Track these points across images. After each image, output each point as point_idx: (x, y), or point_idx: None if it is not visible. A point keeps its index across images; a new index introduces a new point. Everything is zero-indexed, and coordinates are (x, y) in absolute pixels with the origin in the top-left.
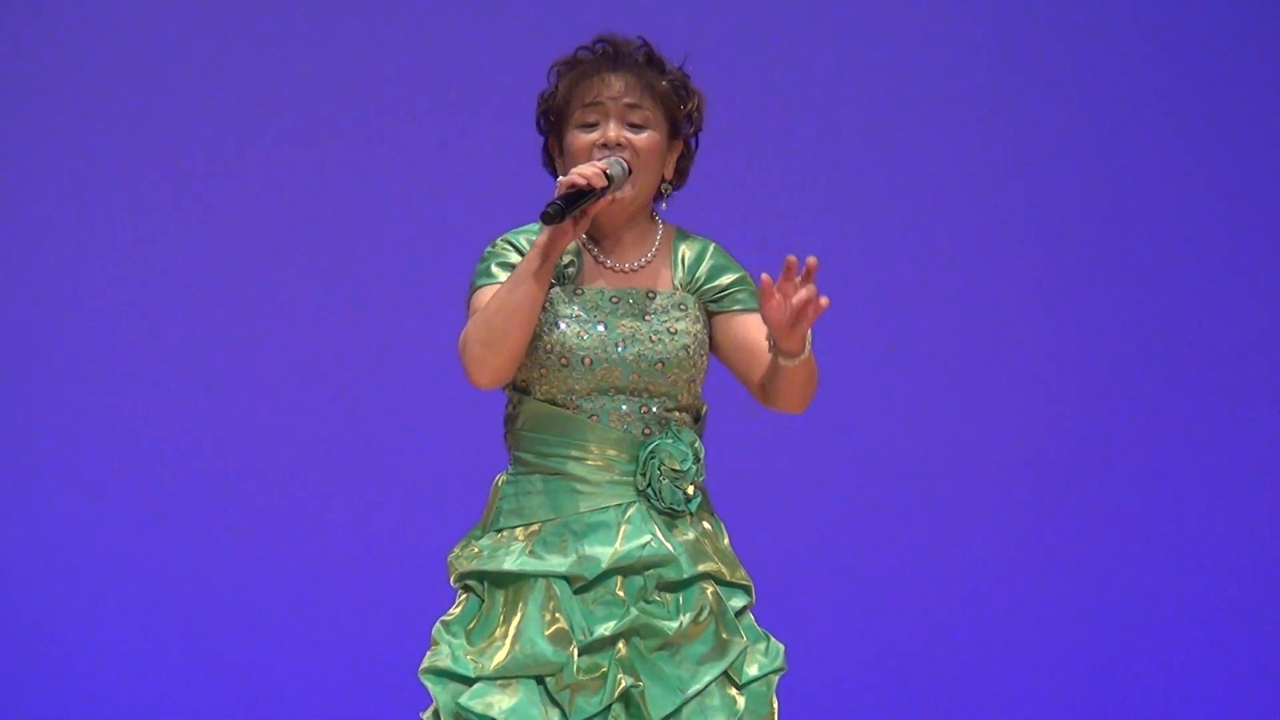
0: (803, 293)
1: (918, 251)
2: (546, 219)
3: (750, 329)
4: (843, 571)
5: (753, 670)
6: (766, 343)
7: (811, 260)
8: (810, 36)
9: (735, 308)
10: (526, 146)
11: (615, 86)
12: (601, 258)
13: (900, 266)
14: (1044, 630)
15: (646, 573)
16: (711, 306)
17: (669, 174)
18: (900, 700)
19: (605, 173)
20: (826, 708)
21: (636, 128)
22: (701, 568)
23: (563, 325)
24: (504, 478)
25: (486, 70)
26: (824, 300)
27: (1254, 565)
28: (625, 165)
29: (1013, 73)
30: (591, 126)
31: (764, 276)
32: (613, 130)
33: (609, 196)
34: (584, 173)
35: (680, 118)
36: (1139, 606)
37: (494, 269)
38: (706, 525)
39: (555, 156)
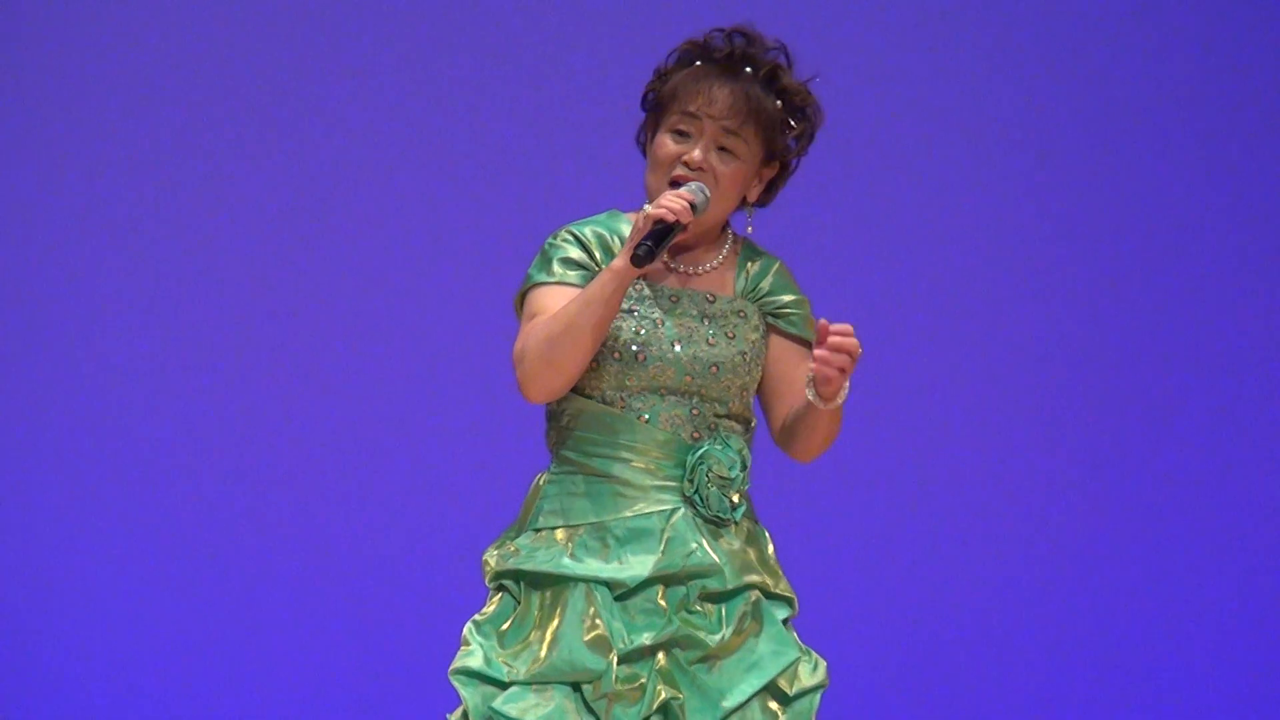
0: (831, 348)
1: (934, 258)
2: (638, 262)
3: (788, 358)
4: (862, 580)
5: (797, 686)
6: (802, 377)
7: (822, 324)
8: (819, 37)
9: (787, 329)
10: (544, 140)
11: (719, 105)
12: (667, 257)
13: (922, 275)
14: (1070, 641)
15: (690, 582)
16: (769, 319)
17: (752, 197)
18: (924, 710)
19: (692, 204)
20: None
21: (726, 154)
22: (747, 579)
23: (620, 319)
24: (545, 477)
25: (495, 65)
26: (843, 347)
27: (1270, 568)
28: (707, 192)
29: (1035, 74)
30: (683, 136)
31: (820, 321)
32: (698, 152)
33: (690, 228)
34: (672, 207)
35: (781, 144)
36: (1162, 612)
37: (556, 266)
38: (751, 535)
39: (649, 138)
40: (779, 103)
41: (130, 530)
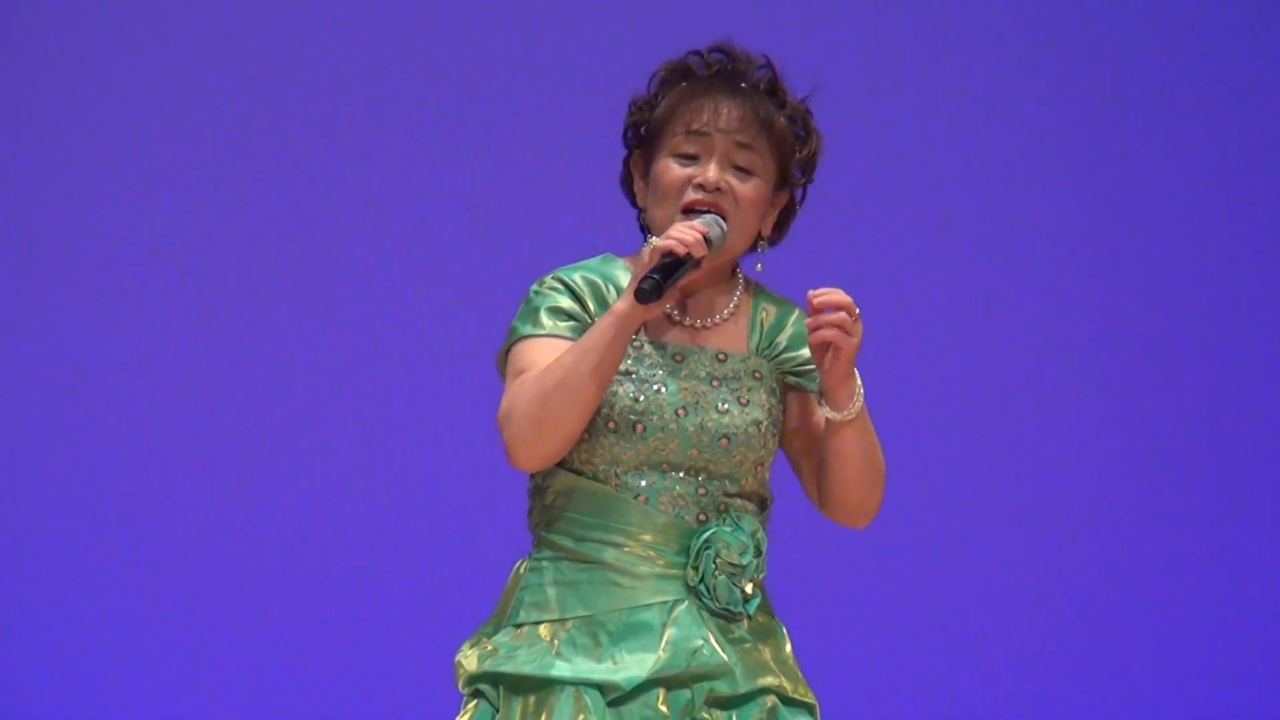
0: (818, 308)
1: (936, 274)
2: (643, 297)
3: (816, 420)
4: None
5: None
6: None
7: (809, 295)
8: (835, 37)
9: (810, 387)
10: (554, 154)
11: (728, 117)
12: (669, 308)
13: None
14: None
15: (695, 685)
16: (788, 379)
17: (766, 230)
18: None
19: (706, 237)
20: None
21: (742, 172)
22: (761, 682)
23: (615, 383)
24: (526, 564)
25: (503, 73)
26: (837, 320)
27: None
28: (723, 226)
29: (1062, 75)
30: (690, 159)
31: (808, 294)
32: (713, 171)
33: (704, 266)
34: (684, 239)
35: (792, 165)
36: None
37: (543, 316)
38: (766, 630)
39: (636, 177)
40: (783, 118)
41: (112, 536)
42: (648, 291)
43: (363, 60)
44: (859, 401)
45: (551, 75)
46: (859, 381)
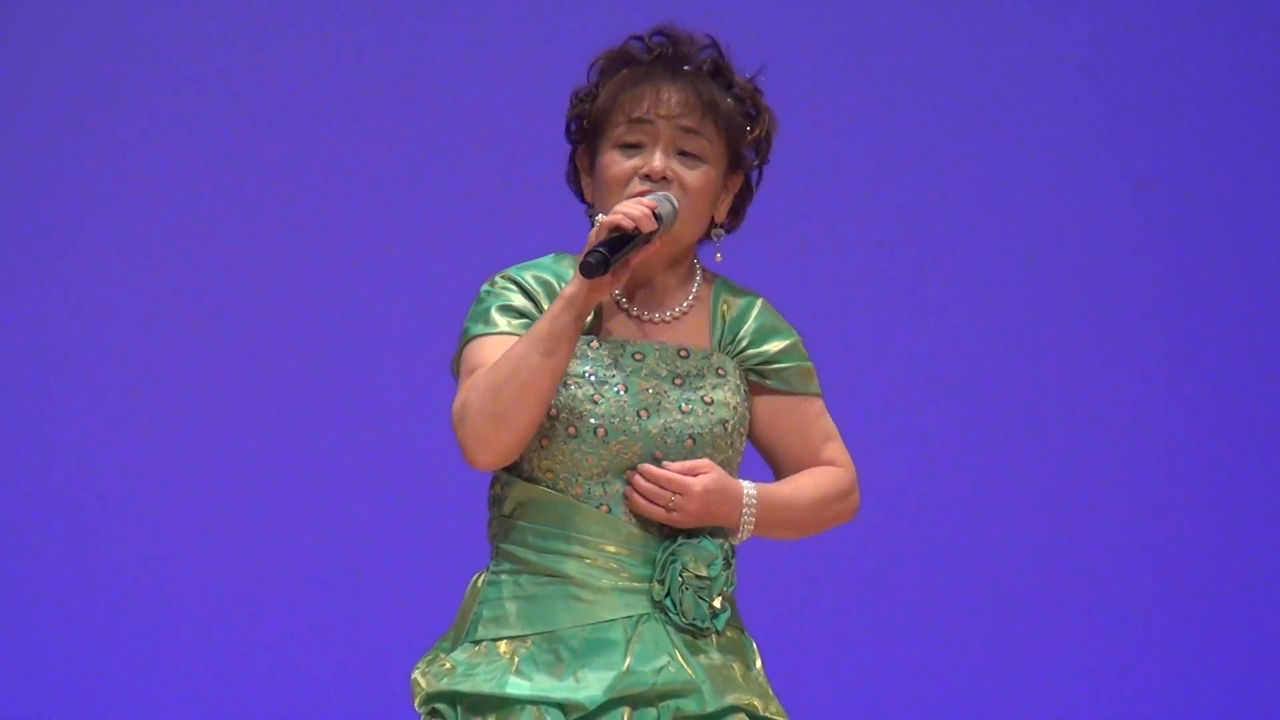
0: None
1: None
2: (587, 270)
3: (782, 419)
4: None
5: None
6: (808, 431)
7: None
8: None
9: (776, 386)
10: (538, 149)
11: (670, 103)
12: (626, 303)
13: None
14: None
15: (661, 704)
16: (751, 377)
17: (720, 216)
18: None
19: (654, 212)
20: None
21: (689, 158)
22: (730, 699)
23: (572, 385)
24: (484, 577)
25: (492, 69)
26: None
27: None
28: (674, 202)
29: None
30: (634, 149)
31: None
32: (658, 160)
33: (656, 243)
34: (630, 213)
35: (744, 147)
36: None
37: (494, 315)
38: (736, 646)
39: (583, 172)
40: (730, 99)
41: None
42: (594, 265)
43: (361, 57)
44: (748, 527)
45: (510, 71)
46: (743, 501)
